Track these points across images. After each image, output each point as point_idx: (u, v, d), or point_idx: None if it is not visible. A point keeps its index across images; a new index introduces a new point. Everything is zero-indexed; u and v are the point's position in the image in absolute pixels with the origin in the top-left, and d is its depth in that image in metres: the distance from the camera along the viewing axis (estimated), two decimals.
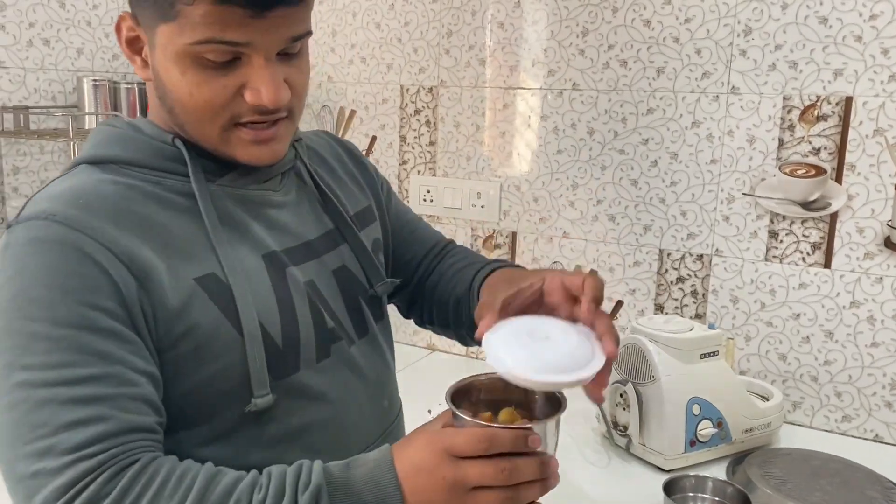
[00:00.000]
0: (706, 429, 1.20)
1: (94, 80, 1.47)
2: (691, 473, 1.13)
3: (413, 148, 1.73)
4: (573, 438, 1.32)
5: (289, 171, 0.85)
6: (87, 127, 1.41)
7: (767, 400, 1.33)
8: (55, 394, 0.61)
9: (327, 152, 0.95)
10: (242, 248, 0.75)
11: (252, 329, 0.71)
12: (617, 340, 0.68)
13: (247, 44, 0.68)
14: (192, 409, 0.71)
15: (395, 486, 0.63)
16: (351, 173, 0.96)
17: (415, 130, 1.73)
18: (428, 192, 1.72)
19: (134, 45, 0.74)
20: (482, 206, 1.66)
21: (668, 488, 1.08)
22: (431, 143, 1.71)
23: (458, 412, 0.64)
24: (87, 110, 1.45)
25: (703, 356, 1.22)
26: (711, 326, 1.25)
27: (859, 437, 1.38)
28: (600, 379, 0.65)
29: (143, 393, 0.65)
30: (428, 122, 1.71)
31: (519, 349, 0.62)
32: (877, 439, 1.37)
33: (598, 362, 0.62)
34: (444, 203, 1.69)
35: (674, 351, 1.22)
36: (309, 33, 0.73)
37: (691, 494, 1.11)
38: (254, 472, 0.65)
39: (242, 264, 0.74)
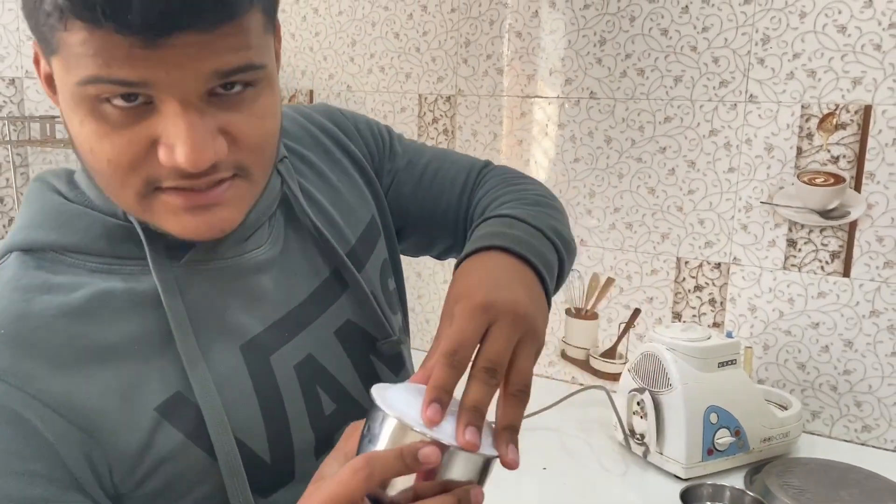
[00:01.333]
0: (724, 437, 1.20)
1: None
2: (709, 482, 1.13)
3: None
4: (590, 447, 1.32)
5: (275, 213, 0.68)
6: None
7: (786, 409, 1.33)
8: None
9: (311, 148, 0.76)
10: (217, 344, 0.61)
11: (228, 455, 0.58)
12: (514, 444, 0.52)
13: (144, 84, 0.50)
14: None
15: None
16: (344, 170, 0.77)
17: (433, 139, 1.74)
18: None
19: (52, 83, 0.55)
20: None
21: (685, 497, 1.08)
22: None
23: (376, 403, 0.50)
24: None
25: (721, 365, 1.22)
26: (729, 335, 1.25)
27: (880, 448, 1.37)
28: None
29: None
30: (446, 131, 1.72)
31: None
32: None
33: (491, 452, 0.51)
34: None
35: (691, 359, 1.22)
36: (254, 67, 0.53)
37: (708, 503, 1.11)
38: None
39: (217, 369, 0.60)
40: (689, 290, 1.50)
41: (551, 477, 1.22)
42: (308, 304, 0.67)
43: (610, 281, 1.53)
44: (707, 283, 1.49)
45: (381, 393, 0.51)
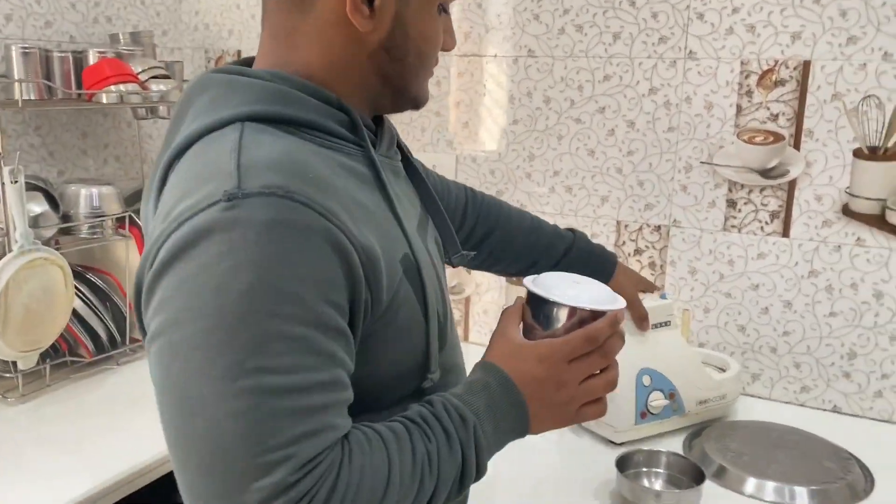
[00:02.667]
0: (657, 400, 1.17)
1: (24, 48, 1.39)
2: (645, 448, 1.10)
3: None
4: None
5: None
6: (15, 97, 1.33)
7: (724, 371, 1.30)
8: (290, 404, 0.56)
9: None
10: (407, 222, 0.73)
11: (435, 309, 0.72)
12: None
13: None
14: (365, 392, 0.66)
15: (522, 407, 0.68)
16: None
17: None
18: None
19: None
20: None
21: (621, 464, 1.05)
22: None
23: (552, 299, 0.71)
24: (15, 78, 1.37)
25: (655, 326, 1.19)
26: (663, 296, 1.21)
27: (818, 409, 1.37)
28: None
29: (351, 396, 0.62)
30: None
31: (568, 289, 0.72)
32: (835, 410, 1.35)
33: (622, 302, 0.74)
34: None
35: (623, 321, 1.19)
36: None
37: (645, 469, 1.09)
38: (411, 421, 0.65)
39: (417, 239, 0.73)
40: (630, 254, 1.47)
41: None
42: (423, 215, 0.81)
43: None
44: (647, 247, 1.45)
45: (539, 283, 0.74)
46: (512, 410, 0.68)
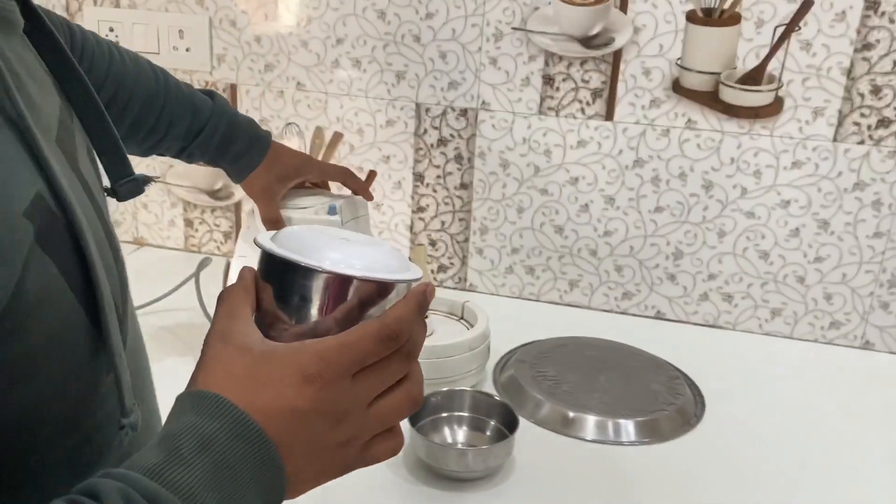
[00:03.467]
0: None
1: None
2: (444, 389, 0.87)
3: None
4: None
5: None
6: None
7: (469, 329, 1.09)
8: None
9: None
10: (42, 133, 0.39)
11: (109, 293, 0.40)
12: None
13: None
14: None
15: (275, 468, 0.38)
16: None
17: None
18: (111, 29, 1.26)
19: None
20: (187, 50, 1.24)
21: (413, 416, 0.82)
22: None
23: (312, 265, 0.41)
24: None
25: None
26: (332, 210, 0.92)
27: (640, 315, 1.21)
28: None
29: None
30: None
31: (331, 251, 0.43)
32: (659, 316, 1.21)
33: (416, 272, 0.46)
34: (135, 45, 1.24)
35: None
36: None
37: (445, 415, 0.86)
38: None
39: (60, 161, 0.40)
40: (433, 145, 1.21)
41: None
42: (64, 113, 0.46)
43: (338, 136, 1.18)
44: (452, 136, 1.20)
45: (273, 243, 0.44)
46: (254, 481, 0.37)
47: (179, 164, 1.28)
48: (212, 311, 0.44)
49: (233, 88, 1.25)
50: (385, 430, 0.42)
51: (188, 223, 1.36)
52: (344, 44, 1.19)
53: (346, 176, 0.95)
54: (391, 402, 0.42)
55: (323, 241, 0.44)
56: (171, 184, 1.33)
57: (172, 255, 1.35)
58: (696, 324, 1.20)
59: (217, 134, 0.86)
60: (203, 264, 1.08)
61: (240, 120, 0.89)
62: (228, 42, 1.23)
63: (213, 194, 1.33)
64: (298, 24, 1.19)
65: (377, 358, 0.40)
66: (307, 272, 0.41)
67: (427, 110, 1.19)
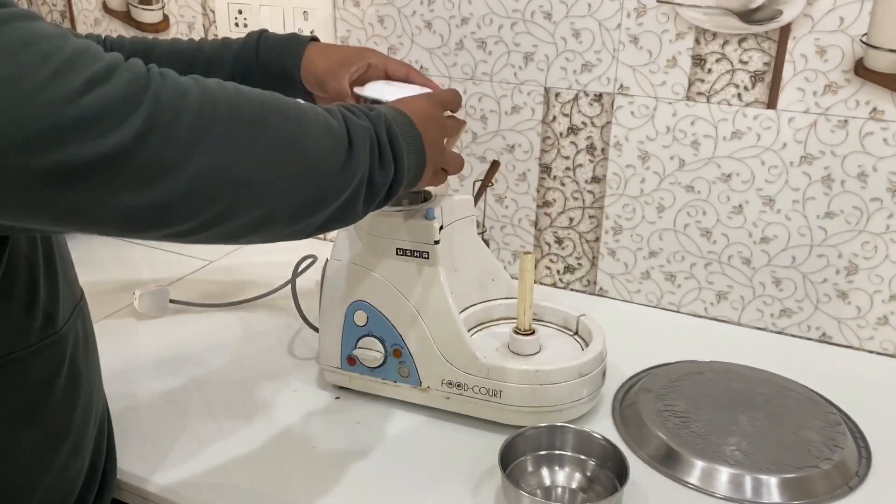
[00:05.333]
0: (369, 350, 0.83)
1: None
2: (543, 423, 0.76)
3: None
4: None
5: None
6: None
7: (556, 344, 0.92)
8: None
9: None
10: None
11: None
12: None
13: None
14: None
15: (417, 132, 0.67)
16: None
17: None
18: (240, 12, 1.24)
19: None
20: (311, 32, 1.20)
21: (509, 451, 0.72)
22: None
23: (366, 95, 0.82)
24: None
25: (401, 253, 0.81)
26: (429, 214, 0.80)
27: (800, 337, 1.04)
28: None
29: None
30: None
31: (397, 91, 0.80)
32: (823, 339, 1.02)
33: None
34: (261, 26, 1.21)
35: (366, 235, 0.84)
36: None
37: (544, 454, 0.75)
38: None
39: None
40: (562, 134, 1.09)
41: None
42: None
43: (461, 124, 1.09)
44: (585, 124, 1.07)
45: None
46: (411, 131, 0.66)
47: None
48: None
49: None
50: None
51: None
52: (469, 24, 1.09)
53: (407, 69, 0.87)
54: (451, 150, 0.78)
55: (389, 88, 0.81)
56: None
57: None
58: (870, 351, 1.00)
59: (250, 45, 0.87)
60: (302, 263, 1.04)
61: (274, 34, 0.90)
62: (352, 24, 1.17)
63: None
64: (422, 2, 1.11)
65: (451, 106, 0.79)
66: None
67: (557, 95, 1.07)
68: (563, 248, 1.14)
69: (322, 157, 0.56)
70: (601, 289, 1.14)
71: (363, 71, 0.85)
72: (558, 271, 1.16)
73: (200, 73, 0.69)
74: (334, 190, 0.57)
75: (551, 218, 1.14)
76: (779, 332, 1.05)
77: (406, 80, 0.85)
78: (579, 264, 1.14)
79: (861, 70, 0.89)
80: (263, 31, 0.89)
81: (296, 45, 0.87)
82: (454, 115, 0.80)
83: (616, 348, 0.88)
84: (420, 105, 0.70)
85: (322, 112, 0.58)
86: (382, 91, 0.80)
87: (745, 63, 0.95)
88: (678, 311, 1.10)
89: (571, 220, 1.12)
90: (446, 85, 1.13)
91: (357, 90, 0.83)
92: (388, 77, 0.86)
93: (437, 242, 0.80)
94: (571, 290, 1.16)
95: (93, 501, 0.69)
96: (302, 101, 0.58)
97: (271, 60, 0.87)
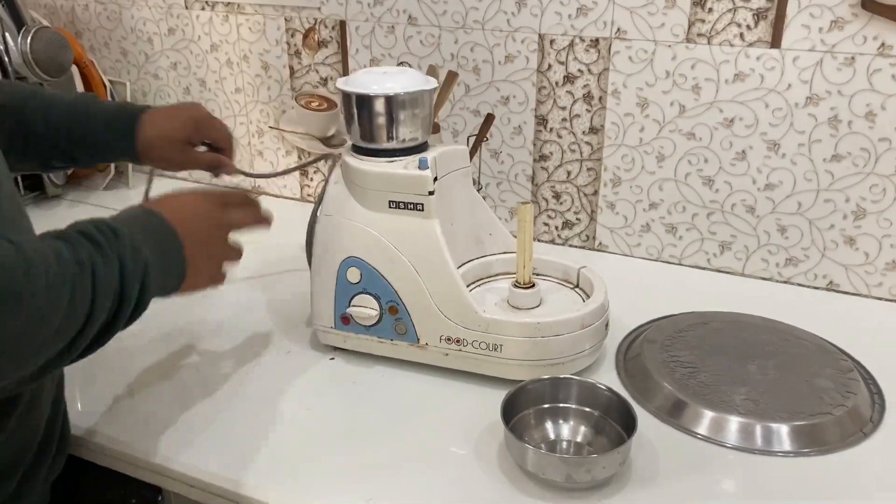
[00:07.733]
0: (363, 308, 0.79)
1: None
2: (546, 376, 0.73)
3: None
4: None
5: None
6: None
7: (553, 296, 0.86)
8: None
9: None
10: None
11: None
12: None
13: None
14: None
15: (176, 242, 0.63)
16: None
17: None
18: None
19: None
20: None
21: (512, 403, 0.69)
22: None
23: None
24: None
25: (393, 205, 0.78)
26: (422, 164, 0.77)
27: (807, 286, 1.01)
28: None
29: None
30: None
31: None
32: (831, 287, 1.00)
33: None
34: None
35: (355, 187, 0.80)
36: None
37: (546, 407, 0.73)
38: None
39: None
40: (557, 83, 1.05)
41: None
42: None
43: (452, 76, 1.05)
44: (581, 71, 1.03)
45: None
46: (169, 242, 0.63)
47: (292, 111, 1.21)
48: None
49: (342, 25, 1.15)
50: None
51: (303, 173, 1.29)
52: None
53: (228, 137, 0.86)
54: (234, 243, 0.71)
55: None
56: (285, 130, 1.26)
57: (289, 204, 1.29)
58: (879, 298, 0.98)
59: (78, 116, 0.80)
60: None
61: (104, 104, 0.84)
62: None
63: (327, 141, 1.25)
64: None
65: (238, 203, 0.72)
66: None
67: (551, 42, 1.03)
68: (560, 203, 1.11)
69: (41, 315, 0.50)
70: (601, 244, 1.11)
71: (191, 130, 0.82)
72: (556, 227, 1.13)
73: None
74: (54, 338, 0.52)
75: (548, 172, 1.10)
76: (785, 282, 1.02)
77: (226, 146, 0.86)
78: (578, 219, 1.11)
79: (869, 4, 0.85)
80: (93, 100, 0.84)
81: (126, 117, 0.81)
82: (245, 202, 0.74)
83: (618, 303, 0.85)
84: (191, 207, 0.66)
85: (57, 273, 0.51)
86: (367, 83, 0.76)
87: (748, 0, 0.91)
88: (680, 264, 1.07)
89: (569, 173, 1.09)
90: (437, 34, 1.08)
91: (340, 84, 0.78)
92: (207, 142, 0.85)
93: (431, 193, 0.77)
94: (570, 245, 1.13)
95: (50, 462, 0.67)
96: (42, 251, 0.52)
97: (97, 133, 0.81)
